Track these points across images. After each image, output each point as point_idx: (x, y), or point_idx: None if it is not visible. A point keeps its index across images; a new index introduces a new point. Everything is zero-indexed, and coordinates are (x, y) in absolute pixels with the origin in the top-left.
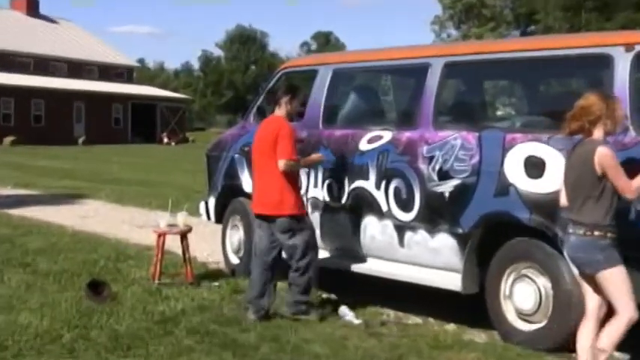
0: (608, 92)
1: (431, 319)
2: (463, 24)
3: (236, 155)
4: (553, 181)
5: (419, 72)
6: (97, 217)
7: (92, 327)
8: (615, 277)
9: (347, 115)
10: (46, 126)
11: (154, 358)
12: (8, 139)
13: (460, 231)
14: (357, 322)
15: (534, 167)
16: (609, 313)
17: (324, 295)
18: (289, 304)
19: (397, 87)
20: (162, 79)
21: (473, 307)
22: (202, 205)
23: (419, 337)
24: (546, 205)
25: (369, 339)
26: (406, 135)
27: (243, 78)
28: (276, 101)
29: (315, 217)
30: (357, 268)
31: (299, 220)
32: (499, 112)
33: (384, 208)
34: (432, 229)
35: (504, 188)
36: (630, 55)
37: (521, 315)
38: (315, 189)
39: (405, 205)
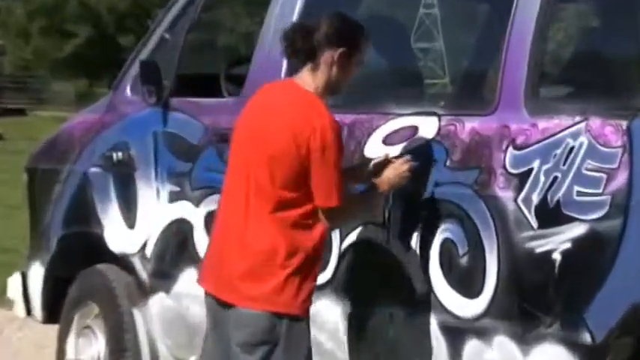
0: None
1: None
2: None
3: (93, 171)
4: None
5: None
6: None
7: None
8: None
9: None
10: None
11: None
12: None
13: (588, 339)
14: None
15: None
16: None
17: None
18: None
19: (450, 25)
20: None
21: None
22: (15, 281)
23: None
24: None
25: None
26: (469, 126)
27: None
28: (308, 50)
29: None
30: None
31: (293, 328)
32: None
33: (420, 286)
34: (525, 334)
35: None
36: None
37: None
38: None
39: (466, 281)
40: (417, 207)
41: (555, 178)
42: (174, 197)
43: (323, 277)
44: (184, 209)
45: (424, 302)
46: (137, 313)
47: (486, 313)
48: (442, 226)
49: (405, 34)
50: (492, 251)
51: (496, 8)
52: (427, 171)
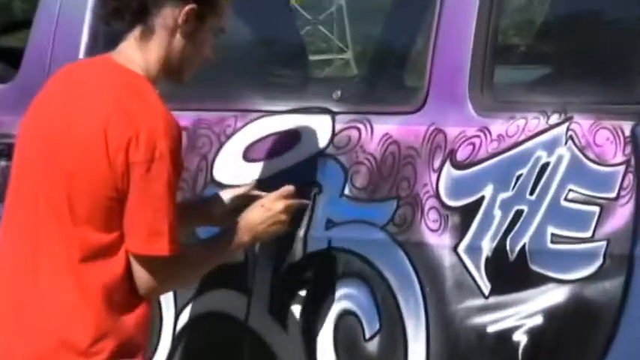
0: None
1: None
2: None
3: None
4: None
5: None
6: None
7: None
8: None
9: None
10: None
11: None
12: None
13: None
14: None
15: None
16: None
17: None
18: None
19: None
20: None
21: None
22: None
23: None
24: None
25: None
26: (381, 131)
27: None
28: (134, 3)
29: None
30: None
31: None
32: None
33: None
34: None
35: None
36: None
37: None
38: None
39: None
40: (297, 261)
41: (518, 213)
42: None
43: None
44: None
45: None
46: None
47: None
48: (337, 293)
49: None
50: (418, 332)
51: None
52: (313, 204)
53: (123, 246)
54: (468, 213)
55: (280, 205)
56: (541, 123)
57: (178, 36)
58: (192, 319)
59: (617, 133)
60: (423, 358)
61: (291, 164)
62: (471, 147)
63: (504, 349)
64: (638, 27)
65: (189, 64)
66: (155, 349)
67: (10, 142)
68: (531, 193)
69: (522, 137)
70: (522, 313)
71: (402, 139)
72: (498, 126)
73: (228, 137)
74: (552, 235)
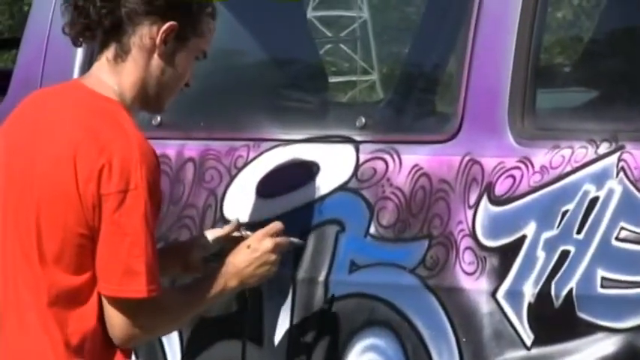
0: None
1: None
2: None
3: None
4: None
5: None
6: None
7: None
8: None
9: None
10: None
11: None
12: None
13: None
14: None
15: None
16: None
17: None
18: None
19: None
20: None
21: None
22: None
23: None
24: None
25: None
26: (410, 162)
27: None
28: (108, 21)
29: None
30: None
31: None
32: None
33: None
34: None
35: None
36: None
37: None
38: None
39: None
40: (316, 309)
41: (564, 254)
42: None
43: None
44: None
45: None
46: None
47: None
48: (362, 344)
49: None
50: None
51: None
52: (335, 244)
53: (96, 289)
54: (507, 254)
55: (268, 243)
56: (589, 153)
57: (156, 57)
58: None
59: None
60: None
61: (310, 199)
62: (510, 180)
63: None
64: None
65: (168, 90)
66: None
67: None
68: (579, 232)
69: (568, 169)
70: None
71: (434, 171)
72: (541, 156)
73: (240, 170)
74: (602, 278)
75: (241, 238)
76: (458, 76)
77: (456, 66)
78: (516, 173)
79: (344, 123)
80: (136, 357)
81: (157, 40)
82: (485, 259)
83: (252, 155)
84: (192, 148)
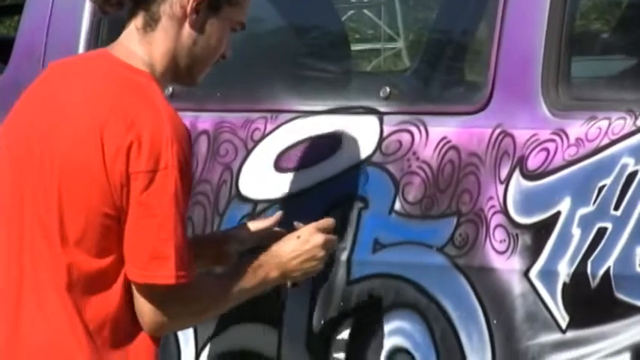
0: None
1: None
2: None
3: None
4: None
5: None
6: None
7: None
8: None
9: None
10: None
11: None
12: None
13: None
14: None
15: None
16: None
17: None
18: None
19: None
20: None
21: None
22: None
23: None
24: None
25: None
26: (438, 134)
27: None
28: None
29: None
30: None
31: None
32: None
33: None
34: None
35: None
36: None
37: None
38: None
39: None
40: (338, 290)
41: (601, 232)
42: None
43: None
44: None
45: None
46: None
47: None
48: (387, 327)
49: None
50: None
51: None
52: (354, 220)
53: (121, 274)
54: (541, 232)
55: (319, 239)
56: (627, 124)
57: (187, 27)
58: (215, 358)
59: None
60: None
61: (331, 175)
62: (544, 153)
63: None
64: None
65: (201, 62)
66: None
67: None
68: (616, 208)
69: (605, 141)
70: (606, 350)
71: (463, 143)
72: (577, 128)
73: (257, 143)
74: None
75: (282, 235)
76: (488, 42)
77: (486, 32)
78: (550, 146)
79: (367, 93)
80: None
81: (188, 9)
82: (517, 236)
83: (269, 128)
84: (207, 121)
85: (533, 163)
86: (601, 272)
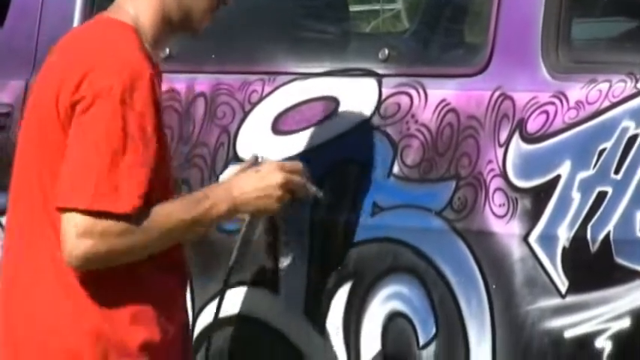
0: None
1: None
2: None
3: None
4: None
5: None
6: None
7: None
8: None
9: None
10: None
11: None
12: None
13: None
14: None
15: None
16: None
17: None
18: None
19: None
20: None
21: None
22: None
23: None
24: None
25: None
26: (437, 97)
27: None
28: None
29: None
30: None
31: None
32: None
33: None
34: None
35: None
36: None
37: None
38: None
39: None
40: (336, 254)
41: (601, 196)
42: None
43: None
44: None
45: None
46: None
47: None
48: (385, 291)
49: None
50: (482, 338)
51: None
52: (357, 185)
53: None
54: (540, 195)
55: (278, 177)
56: (628, 87)
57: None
58: (212, 324)
59: None
60: None
61: (329, 137)
62: (544, 116)
63: (585, 358)
64: None
65: (196, 11)
66: None
67: None
68: (617, 172)
69: (606, 104)
70: (606, 315)
71: (462, 106)
72: (577, 91)
73: (254, 105)
74: None
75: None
76: (488, 4)
77: None
78: (550, 109)
79: (366, 55)
80: None
81: None
82: (516, 200)
83: (267, 90)
84: (203, 83)
85: (532, 126)
86: (601, 237)
